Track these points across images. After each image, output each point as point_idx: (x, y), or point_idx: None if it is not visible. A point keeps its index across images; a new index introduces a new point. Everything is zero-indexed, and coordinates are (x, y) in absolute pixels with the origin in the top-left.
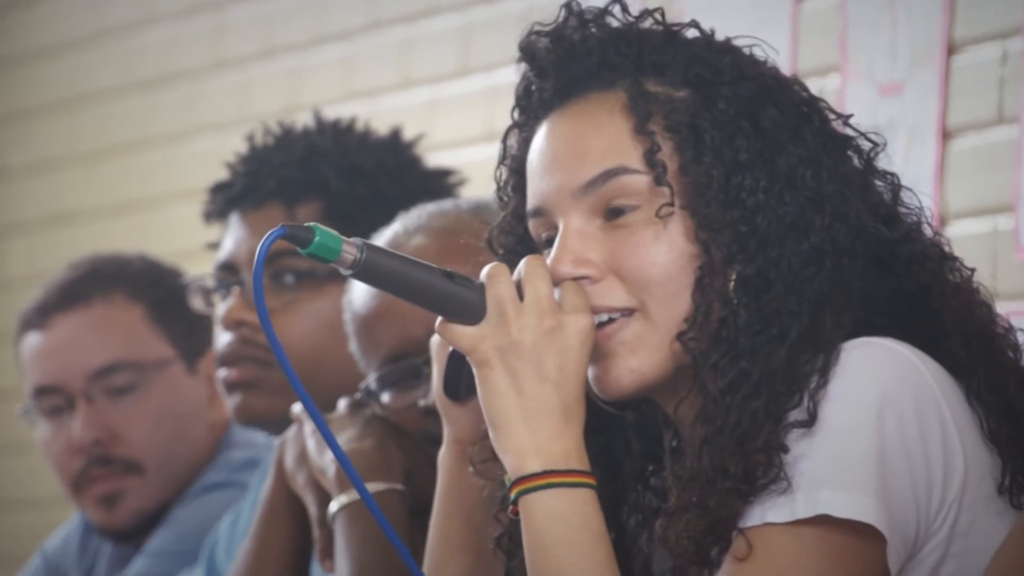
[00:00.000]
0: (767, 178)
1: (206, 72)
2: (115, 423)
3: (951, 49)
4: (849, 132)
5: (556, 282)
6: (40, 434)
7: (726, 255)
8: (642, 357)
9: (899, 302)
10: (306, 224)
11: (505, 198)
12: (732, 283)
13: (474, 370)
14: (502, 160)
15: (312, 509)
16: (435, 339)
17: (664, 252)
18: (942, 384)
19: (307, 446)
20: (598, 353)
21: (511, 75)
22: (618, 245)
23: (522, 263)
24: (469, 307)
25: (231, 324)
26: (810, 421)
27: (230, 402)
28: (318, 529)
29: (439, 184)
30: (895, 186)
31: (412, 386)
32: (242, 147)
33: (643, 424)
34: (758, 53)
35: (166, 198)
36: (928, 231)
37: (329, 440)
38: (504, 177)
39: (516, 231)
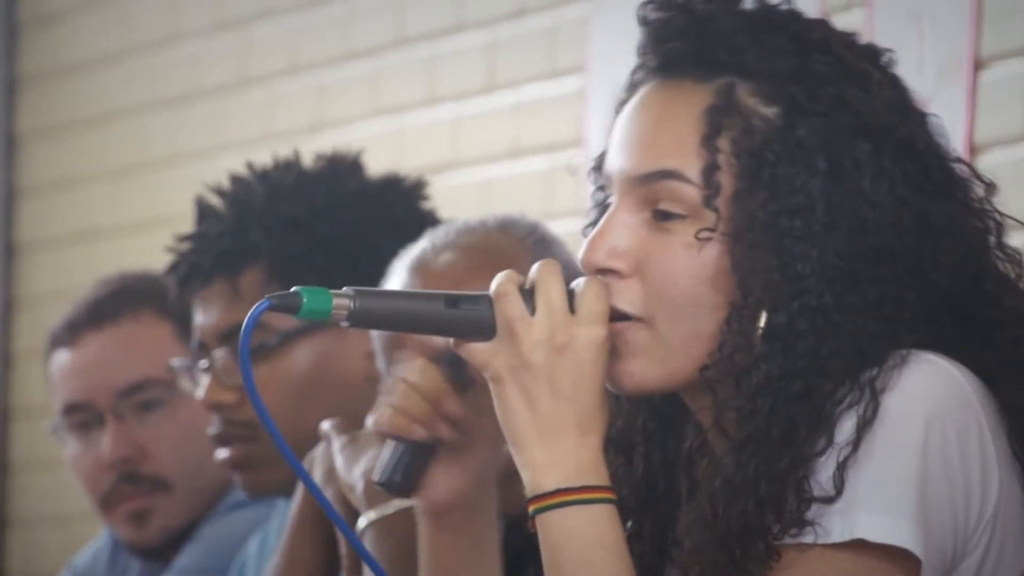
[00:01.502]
0: (823, 224)
1: (231, 89)
2: (144, 440)
3: (978, 64)
4: (958, 170)
5: (585, 268)
6: (69, 451)
7: (758, 298)
8: (643, 364)
9: (944, 316)
10: (292, 290)
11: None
12: (760, 330)
13: (490, 384)
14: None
15: None
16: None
17: (692, 273)
18: (983, 401)
19: (335, 463)
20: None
21: (537, 91)
22: (653, 247)
23: (535, 268)
24: (478, 326)
25: (210, 408)
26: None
27: (236, 481)
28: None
29: (392, 195)
30: (999, 233)
31: None
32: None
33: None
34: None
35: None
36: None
37: (306, 480)
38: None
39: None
